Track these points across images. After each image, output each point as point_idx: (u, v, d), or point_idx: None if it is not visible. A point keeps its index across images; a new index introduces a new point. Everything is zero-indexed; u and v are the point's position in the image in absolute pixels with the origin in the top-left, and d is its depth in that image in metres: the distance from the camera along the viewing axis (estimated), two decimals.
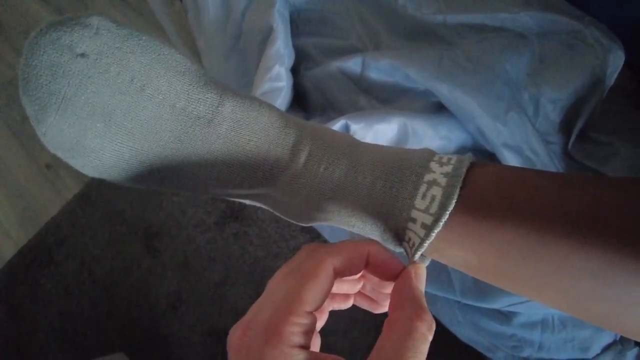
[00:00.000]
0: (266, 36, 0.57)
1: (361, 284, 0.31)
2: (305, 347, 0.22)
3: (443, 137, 0.55)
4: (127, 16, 1.22)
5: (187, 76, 0.28)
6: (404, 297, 0.25)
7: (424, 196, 0.27)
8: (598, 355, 0.60)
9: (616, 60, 0.54)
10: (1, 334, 0.99)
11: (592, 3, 0.59)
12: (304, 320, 0.22)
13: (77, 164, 0.28)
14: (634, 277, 0.22)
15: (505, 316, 0.63)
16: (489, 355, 0.71)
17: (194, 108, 0.28)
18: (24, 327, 0.99)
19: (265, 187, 0.31)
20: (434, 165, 0.28)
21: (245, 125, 0.29)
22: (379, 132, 0.54)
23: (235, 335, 0.23)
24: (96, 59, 0.25)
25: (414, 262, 0.27)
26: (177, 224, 0.98)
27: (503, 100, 0.53)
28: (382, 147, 0.31)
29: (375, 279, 0.29)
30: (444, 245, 0.27)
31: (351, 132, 0.54)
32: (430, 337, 0.22)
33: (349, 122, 0.54)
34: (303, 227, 0.93)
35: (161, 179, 0.29)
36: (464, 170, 0.27)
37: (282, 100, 0.57)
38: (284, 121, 0.31)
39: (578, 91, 0.56)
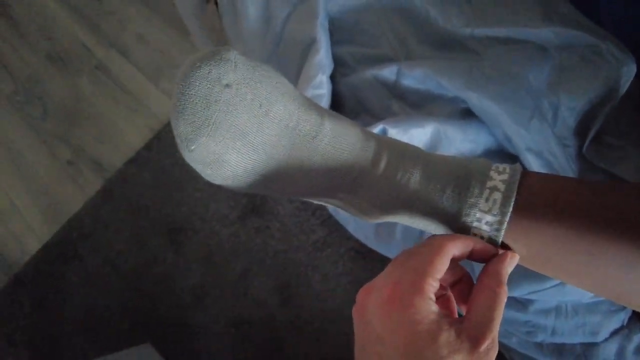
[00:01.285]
0: (308, 46, 0.61)
1: None
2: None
3: (471, 141, 0.60)
4: (141, 13, 1.24)
5: (296, 100, 0.33)
6: (493, 270, 0.31)
7: (487, 200, 0.33)
8: (607, 339, 0.66)
9: (629, 72, 0.60)
10: (28, 327, 1.02)
11: (603, 18, 0.64)
12: (435, 284, 0.30)
13: (209, 174, 0.32)
14: None
15: (522, 304, 0.68)
16: (503, 341, 0.77)
17: (302, 127, 0.33)
18: (51, 319, 1.02)
19: (348, 192, 0.36)
20: (493, 174, 0.34)
21: (340, 141, 0.34)
22: (413, 135, 0.59)
23: (386, 291, 0.30)
24: (237, 89, 0.30)
25: (513, 252, 0.34)
26: (201, 219, 1.02)
27: (527, 108, 0.58)
28: (446, 157, 0.37)
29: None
30: None
31: (388, 136, 0.58)
32: (505, 297, 0.30)
33: (387, 127, 0.58)
34: (323, 221, 0.98)
35: (269, 186, 0.34)
36: (518, 177, 0.33)
37: (323, 106, 0.61)
38: (364, 135, 0.36)
39: (593, 100, 0.61)
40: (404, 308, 0.28)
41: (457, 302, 0.35)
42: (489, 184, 0.33)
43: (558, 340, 0.69)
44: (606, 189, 0.33)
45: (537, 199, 0.33)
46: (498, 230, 0.33)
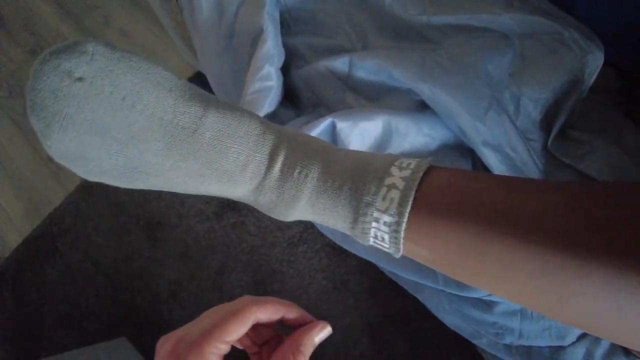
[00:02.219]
0: (257, 37, 0.59)
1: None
2: None
3: (426, 135, 0.58)
4: (125, 9, 1.23)
5: (173, 91, 0.31)
6: (295, 338, 0.32)
7: (384, 198, 0.30)
8: (574, 342, 0.63)
9: (595, 61, 0.56)
10: (9, 320, 1.04)
11: (578, 5, 0.61)
12: (222, 346, 0.29)
13: (78, 170, 0.31)
14: (569, 272, 0.25)
15: (487, 305, 0.66)
16: (474, 341, 0.74)
17: (180, 120, 0.31)
18: (31, 313, 1.03)
19: (247, 189, 0.34)
20: (394, 170, 0.31)
21: (227, 134, 0.32)
22: (364, 129, 0.56)
23: (167, 347, 0.30)
24: (92, 82, 0.28)
25: (325, 323, 0.34)
26: (177, 214, 1.01)
27: (483, 99, 0.55)
28: (351, 152, 0.34)
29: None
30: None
31: (337, 130, 0.56)
32: None
33: (335, 120, 0.56)
34: None
35: (153, 183, 0.32)
36: (420, 174, 0.30)
37: (272, 98, 0.59)
38: (262, 128, 0.34)
39: (558, 90, 0.58)
40: None
41: None
42: (388, 180, 0.30)
43: (525, 342, 0.66)
44: (524, 187, 0.29)
45: (440, 198, 0.29)
46: (396, 232, 0.30)
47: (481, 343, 0.73)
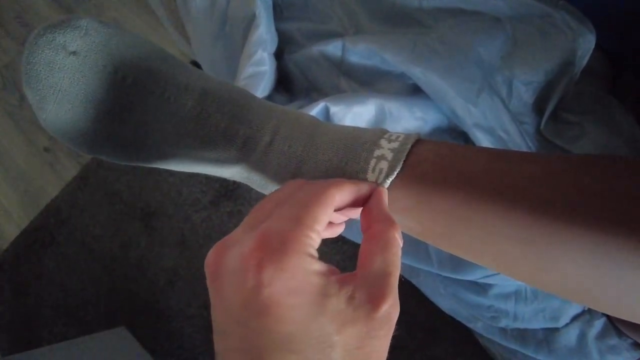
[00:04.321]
0: (249, 23, 0.59)
1: None
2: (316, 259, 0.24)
3: (418, 119, 0.58)
4: None
5: (164, 64, 0.31)
6: (379, 213, 0.27)
7: (373, 170, 0.31)
8: (567, 324, 0.63)
9: (586, 43, 0.56)
10: (8, 311, 1.04)
11: None
12: (316, 236, 0.24)
13: (74, 144, 0.32)
14: (551, 240, 0.26)
15: (482, 287, 0.66)
16: (469, 325, 0.75)
17: (171, 93, 0.31)
18: (30, 304, 1.04)
19: (238, 163, 0.34)
20: (383, 142, 0.31)
21: (218, 107, 0.32)
22: (357, 114, 0.56)
23: (250, 246, 0.22)
24: (86, 56, 0.29)
25: (382, 186, 0.30)
26: (174, 204, 1.01)
27: (475, 82, 0.56)
28: (341, 127, 0.35)
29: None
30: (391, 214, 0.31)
31: (330, 114, 0.56)
32: (401, 242, 0.25)
33: (329, 105, 0.56)
34: None
35: (147, 157, 0.33)
36: (409, 146, 0.30)
37: (265, 83, 0.59)
38: (255, 103, 0.34)
39: (549, 73, 0.58)
40: (275, 272, 0.21)
41: None
42: (377, 152, 0.31)
43: (520, 325, 0.67)
44: (503, 155, 0.30)
45: (427, 168, 0.30)
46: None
47: (477, 327, 0.73)
